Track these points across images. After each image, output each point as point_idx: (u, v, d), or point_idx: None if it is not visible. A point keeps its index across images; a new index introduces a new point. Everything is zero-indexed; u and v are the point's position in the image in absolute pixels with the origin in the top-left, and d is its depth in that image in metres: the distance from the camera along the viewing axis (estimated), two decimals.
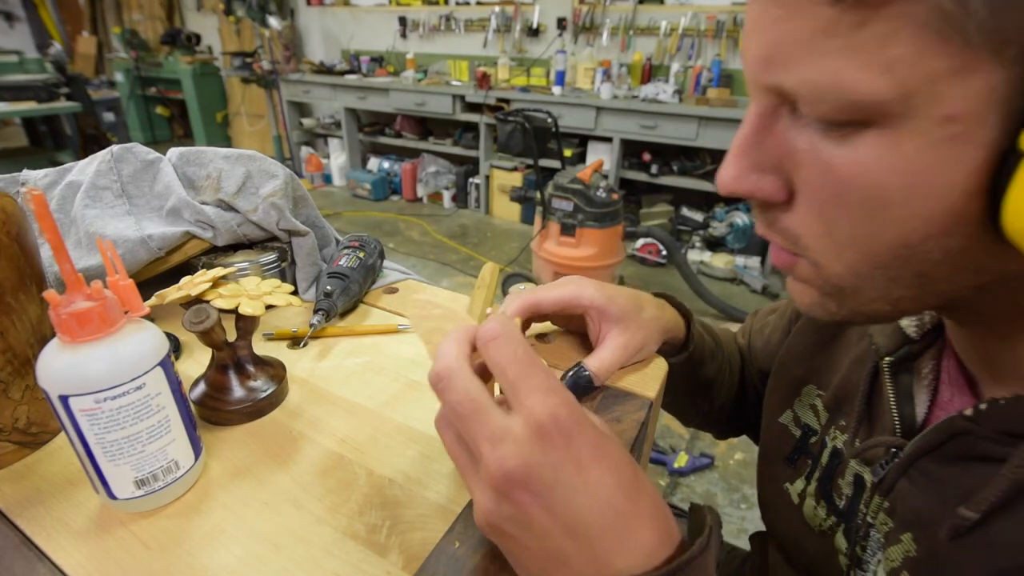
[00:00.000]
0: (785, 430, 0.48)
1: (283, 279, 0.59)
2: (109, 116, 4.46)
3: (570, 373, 0.45)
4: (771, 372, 0.52)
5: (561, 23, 3.29)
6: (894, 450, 0.35)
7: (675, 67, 3.00)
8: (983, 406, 0.28)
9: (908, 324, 0.38)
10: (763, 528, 0.58)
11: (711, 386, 0.56)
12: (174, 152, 0.61)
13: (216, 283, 0.42)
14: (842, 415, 0.43)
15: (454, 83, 3.51)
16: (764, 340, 0.59)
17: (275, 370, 0.46)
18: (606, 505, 0.25)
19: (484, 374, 0.30)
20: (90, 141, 3.78)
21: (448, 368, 0.27)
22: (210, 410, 0.42)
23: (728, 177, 0.27)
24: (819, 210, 0.26)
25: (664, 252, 2.93)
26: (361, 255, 0.61)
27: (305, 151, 4.37)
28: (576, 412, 0.26)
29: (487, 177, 3.58)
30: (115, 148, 0.57)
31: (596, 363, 0.44)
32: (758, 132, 0.26)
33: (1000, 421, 0.28)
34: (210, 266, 0.52)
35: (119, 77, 5.07)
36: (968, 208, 0.22)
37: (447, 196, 3.79)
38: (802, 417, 0.47)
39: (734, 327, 0.67)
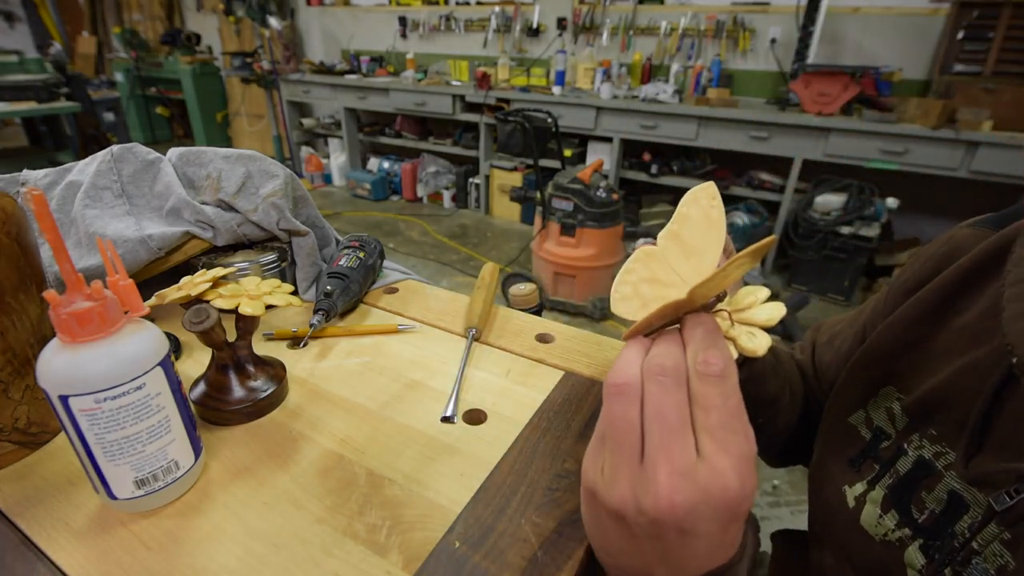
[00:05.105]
0: (853, 431, 0.46)
1: (283, 279, 0.59)
2: (109, 116, 4.45)
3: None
4: (844, 371, 0.49)
5: (561, 23, 3.29)
6: None
7: (675, 67, 3.00)
8: None
9: None
10: (782, 527, 0.57)
11: (775, 404, 0.52)
12: (174, 152, 0.61)
13: (216, 283, 0.42)
14: (931, 424, 0.40)
15: (454, 83, 3.51)
16: (834, 351, 0.56)
17: (275, 370, 0.46)
18: None
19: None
20: (90, 141, 3.79)
21: (679, 366, 0.26)
22: (210, 410, 0.42)
23: None
24: None
25: None
26: (361, 255, 0.61)
27: (305, 151, 4.37)
28: (749, 499, 0.25)
29: (487, 177, 3.58)
30: (115, 148, 0.57)
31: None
32: None
33: None
34: (210, 266, 0.52)
35: (119, 77, 5.07)
36: None
37: (447, 196, 3.79)
38: (875, 419, 0.44)
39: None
